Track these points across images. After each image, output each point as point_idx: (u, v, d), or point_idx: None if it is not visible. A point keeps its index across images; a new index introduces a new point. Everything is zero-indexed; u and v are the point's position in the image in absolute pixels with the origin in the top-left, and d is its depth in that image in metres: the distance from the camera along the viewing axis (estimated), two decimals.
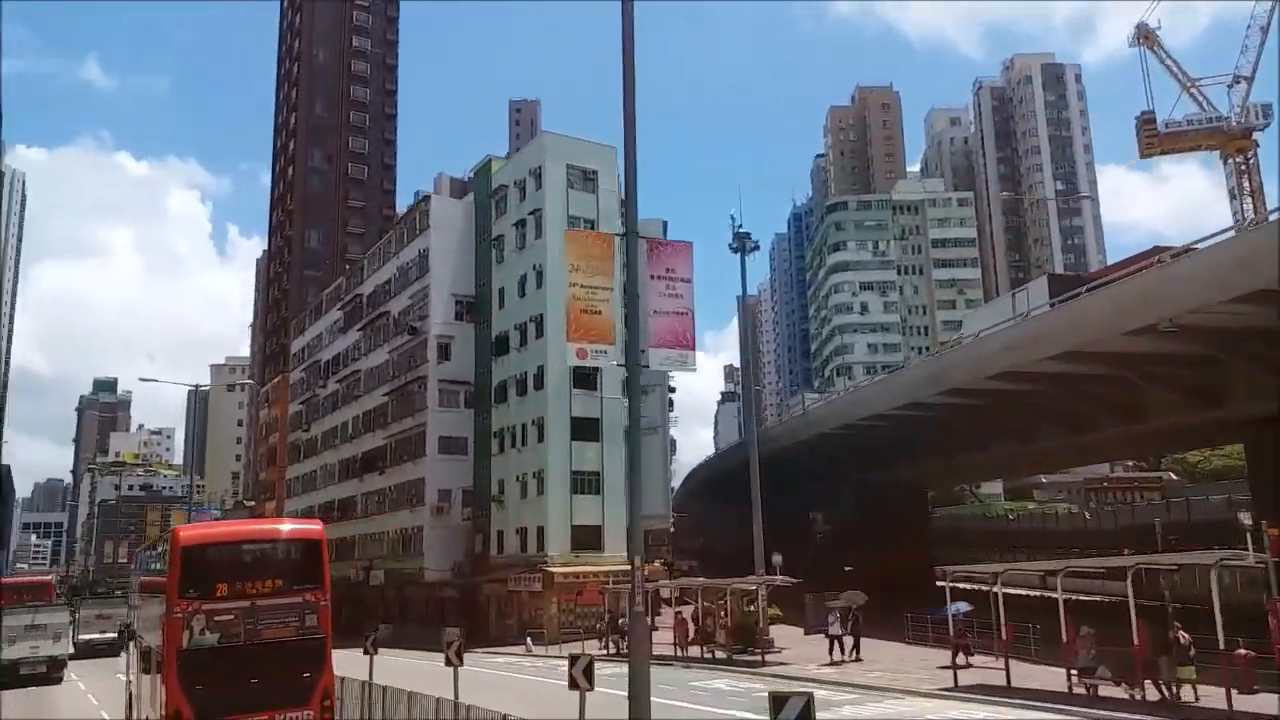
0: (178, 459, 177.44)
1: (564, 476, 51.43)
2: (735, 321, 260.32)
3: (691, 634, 35.50)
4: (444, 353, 59.02)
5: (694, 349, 14.15)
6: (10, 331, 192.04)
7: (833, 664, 29.09)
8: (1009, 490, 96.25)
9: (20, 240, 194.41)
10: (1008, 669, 22.39)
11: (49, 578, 59.62)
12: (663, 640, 37.51)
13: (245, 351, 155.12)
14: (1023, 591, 33.07)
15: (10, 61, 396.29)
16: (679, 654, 35.46)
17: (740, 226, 37.26)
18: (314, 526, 16.72)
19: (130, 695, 20.42)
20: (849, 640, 29.62)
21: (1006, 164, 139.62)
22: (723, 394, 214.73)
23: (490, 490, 55.99)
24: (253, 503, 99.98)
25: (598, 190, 54.82)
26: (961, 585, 65.65)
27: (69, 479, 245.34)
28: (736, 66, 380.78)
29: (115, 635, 48.12)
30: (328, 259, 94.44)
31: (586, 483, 52.24)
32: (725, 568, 67.05)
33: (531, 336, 53.88)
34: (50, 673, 37.73)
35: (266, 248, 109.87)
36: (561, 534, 50.83)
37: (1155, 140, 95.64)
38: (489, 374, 57.84)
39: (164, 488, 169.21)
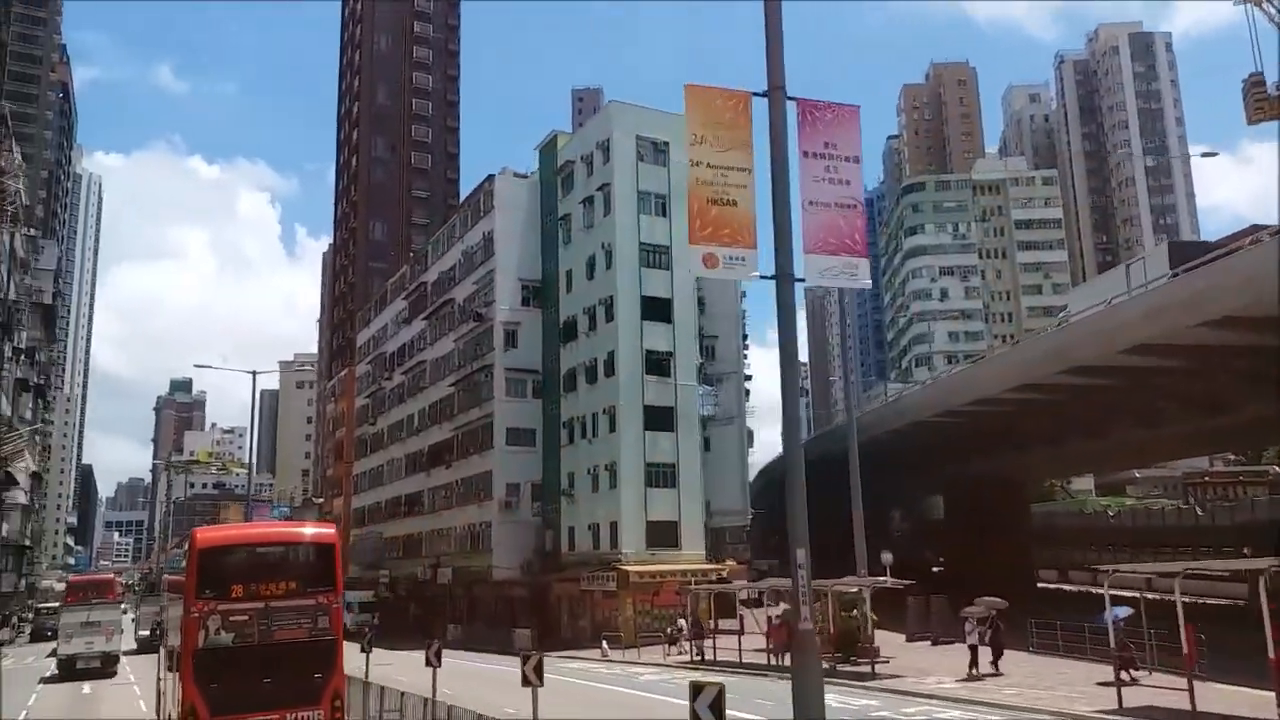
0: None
1: (638, 469, 48.15)
2: (802, 312, 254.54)
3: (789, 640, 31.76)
4: (510, 340, 56.17)
5: (866, 255, 10.35)
6: (90, 334, 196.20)
7: (970, 679, 25.05)
8: (1099, 486, 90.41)
9: (98, 244, 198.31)
10: (1191, 690, 18.36)
11: (112, 576, 58.52)
12: (747, 647, 33.99)
13: (314, 349, 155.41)
14: (1129, 593, 28.88)
15: (87, 69, 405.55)
16: (772, 662, 31.85)
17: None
18: (328, 530, 16.98)
19: (159, 692, 20.29)
20: (985, 652, 25.38)
21: (1091, 140, 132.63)
22: None
23: (560, 484, 52.99)
24: (320, 500, 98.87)
25: (669, 163, 51.38)
26: (1065, 587, 60.41)
27: (149, 478, 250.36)
28: (803, 50, 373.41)
29: None
30: (392, 251, 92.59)
31: (661, 475, 48.91)
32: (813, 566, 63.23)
33: (601, 320, 50.70)
34: (104, 667, 38.44)
35: (332, 241, 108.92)
36: (636, 530, 47.57)
37: (1265, 105, 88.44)
38: (557, 361, 54.85)
39: (236, 486, 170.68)
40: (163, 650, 19.29)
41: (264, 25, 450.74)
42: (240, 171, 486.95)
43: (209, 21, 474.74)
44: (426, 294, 66.90)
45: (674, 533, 48.54)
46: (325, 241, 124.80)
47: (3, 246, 44.28)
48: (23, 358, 57.24)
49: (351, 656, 28.84)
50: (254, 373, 38.21)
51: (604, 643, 41.42)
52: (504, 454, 55.06)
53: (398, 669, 39.50)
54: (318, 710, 14.95)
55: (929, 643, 37.12)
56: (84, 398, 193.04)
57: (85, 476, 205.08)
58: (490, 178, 58.03)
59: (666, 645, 39.95)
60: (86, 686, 34.11)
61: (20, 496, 64.36)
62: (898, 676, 27.08)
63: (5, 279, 46.18)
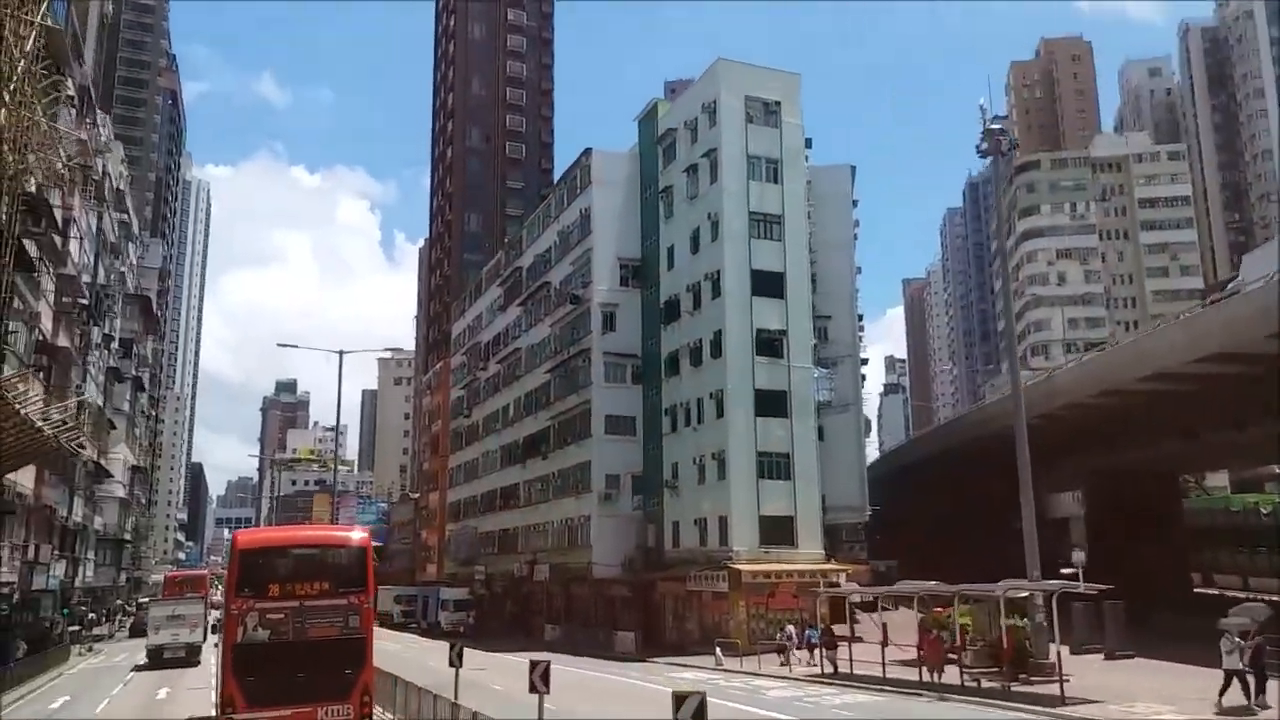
0: (350, 454, 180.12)
1: (748, 458, 43.47)
2: (898, 309, 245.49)
3: (943, 653, 26.65)
4: (609, 322, 52.08)
5: None
6: (199, 336, 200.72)
7: (1223, 713, 19.22)
8: (1234, 482, 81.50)
9: (206, 250, 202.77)
10: None
11: (205, 571, 56.98)
12: (866, 658, 28.92)
13: (412, 346, 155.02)
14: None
15: (195, 83, 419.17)
16: (925, 678, 26.78)
17: (992, 120, 27.98)
18: (361, 534, 17.48)
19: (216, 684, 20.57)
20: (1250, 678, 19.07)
21: (1221, 112, 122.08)
22: (886, 386, 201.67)
23: (662, 475, 48.64)
24: (416, 495, 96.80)
25: (781, 124, 46.58)
26: (1226, 592, 52.83)
27: (256, 476, 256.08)
28: (900, 39, 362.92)
29: None
30: (487, 242, 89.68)
31: (775, 466, 44.12)
32: (930, 567, 57.51)
33: (706, 297, 46.19)
34: (189, 657, 39.84)
35: (428, 235, 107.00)
36: (748, 526, 42.89)
37: None
38: (657, 344, 50.55)
39: (338, 484, 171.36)
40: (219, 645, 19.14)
41: (359, 32, 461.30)
42: (339, 178, 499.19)
43: (306, 29, 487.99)
44: (521, 279, 63.42)
45: (789, 529, 43.69)
46: (423, 245, 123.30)
47: (89, 227, 42.05)
48: (114, 345, 55.68)
49: (438, 655, 27.88)
50: (340, 352, 35.29)
51: (718, 650, 36.84)
52: (603, 443, 50.99)
53: (493, 674, 35.71)
54: (348, 705, 15.42)
55: (1101, 656, 31.52)
56: (193, 398, 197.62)
57: (196, 475, 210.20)
58: (588, 151, 54.08)
59: (778, 654, 35.32)
60: (162, 692, 31.43)
61: (118, 490, 63.17)
62: (1093, 702, 21.76)
63: (92, 260, 44.13)
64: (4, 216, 24.10)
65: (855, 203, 56.66)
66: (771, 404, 44.29)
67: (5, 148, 22.96)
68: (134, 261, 76.05)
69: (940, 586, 31.12)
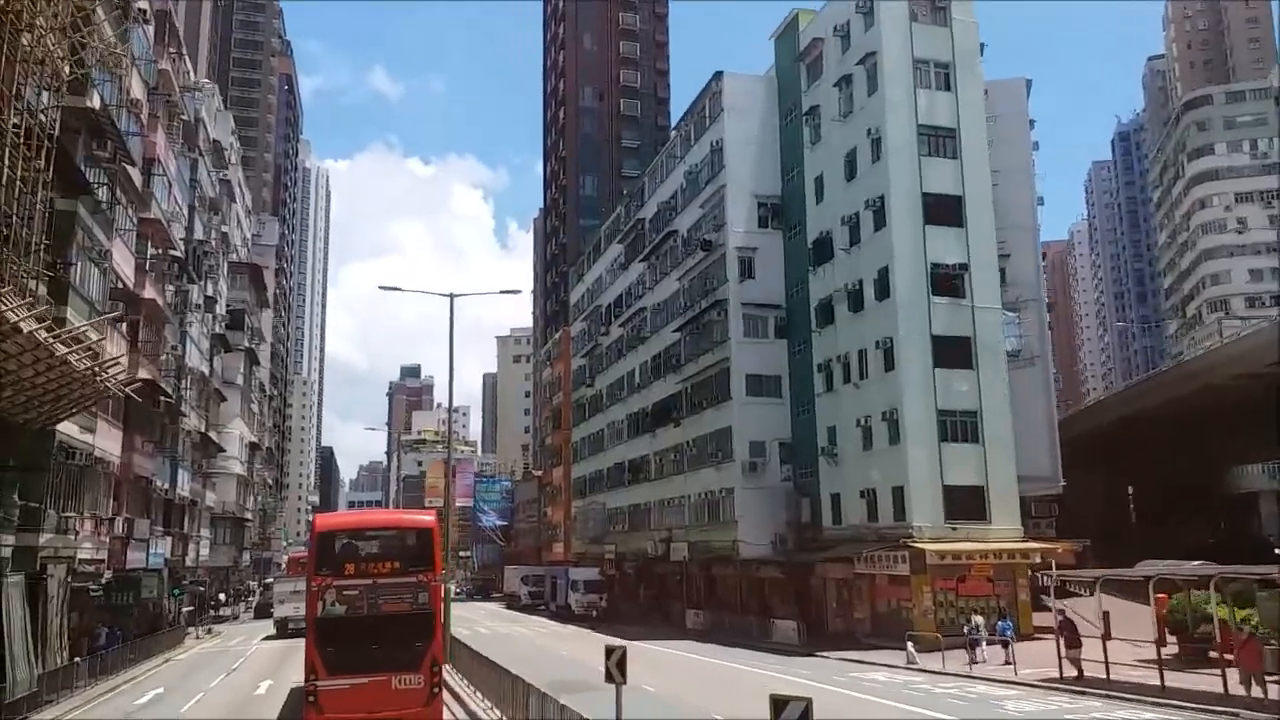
0: (473, 435, 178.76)
1: (927, 417, 36.23)
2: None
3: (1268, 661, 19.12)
4: (746, 269, 45.44)
5: None
6: (324, 322, 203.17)
7: None
8: None
9: (328, 238, 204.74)
10: None
11: None
12: (1094, 658, 21.57)
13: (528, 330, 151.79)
14: None
15: (310, 78, 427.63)
16: (1233, 691, 19.35)
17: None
18: (427, 517, 18.89)
19: None
20: None
21: None
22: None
23: (816, 441, 41.82)
24: (539, 472, 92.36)
25: (951, 22, 38.89)
26: None
27: (385, 460, 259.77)
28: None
29: None
30: (603, 206, 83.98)
31: (959, 427, 36.76)
32: (1125, 547, 49.03)
33: (867, 230, 39.01)
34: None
35: (542, 205, 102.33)
36: (929, 498, 35.71)
37: None
38: (804, 291, 43.65)
39: (458, 462, 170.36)
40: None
41: (467, 15, 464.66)
42: (452, 167, 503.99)
43: (415, 18, 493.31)
44: (644, 232, 57.31)
45: (979, 501, 36.31)
46: (537, 215, 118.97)
47: (179, 172, 37.87)
48: (219, 310, 52.19)
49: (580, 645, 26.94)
50: (451, 295, 29.87)
51: (910, 645, 29.91)
52: (744, 407, 44.45)
53: (641, 670, 29.76)
54: (418, 675, 16.45)
55: None
56: (321, 383, 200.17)
57: (326, 458, 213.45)
58: (718, 75, 47.34)
59: (968, 650, 28.38)
60: (263, 686, 26.97)
61: (234, 466, 60.20)
62: None
63: (185, 212, 40.12)
64: (35, 106, 19.12)
65: (1032, 123, 48.20)
66: (952, 353, 36.88)
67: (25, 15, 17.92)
68: (244, 230, 73.52)
69: (1206, 567, 23.62)
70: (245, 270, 64.78)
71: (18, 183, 19.77)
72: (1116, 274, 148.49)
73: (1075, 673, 23.66)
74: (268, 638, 43.36)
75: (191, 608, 46.43)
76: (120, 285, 30.57)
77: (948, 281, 37.47)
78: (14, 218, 19.50)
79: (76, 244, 25.55)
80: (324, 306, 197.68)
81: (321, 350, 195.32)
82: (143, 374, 33.20)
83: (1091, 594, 42.67)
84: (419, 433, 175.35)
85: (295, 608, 40.11)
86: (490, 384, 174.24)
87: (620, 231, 62.24)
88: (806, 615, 40.24)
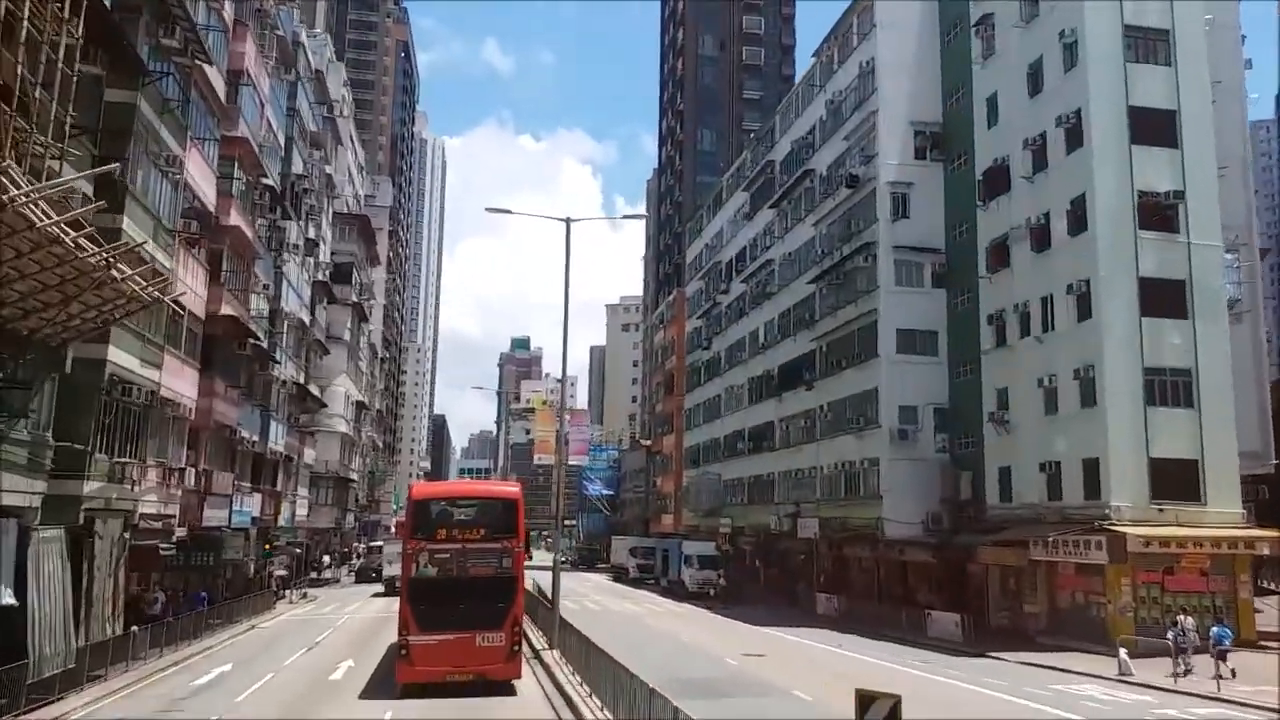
0: (580, 405, 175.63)
1: (1132, 376, 29.48)
2: None
3: None
4: (900, 207, 39.08)
5: None
6: (439, 291, 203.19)
7: None
8: None
9: (443, 208, 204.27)
10: None
11: None
12: None
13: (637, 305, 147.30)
14: None
15: (424, 53, 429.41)
16: None
17: None
18: (513, 488, 20.84)
19: None
20: None
21: None
22: None
23: (981, 405, 35.36)
24: (648, 441, 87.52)
25: None
26: None
27: (495, 430, 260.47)
28: None
29: None
30: (723, 163, 78.05)
31: (1170, 389, 29.90)
32: None
33: (1057, 152, 32.19)
34: None
35: (657, 163, 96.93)
36: (1131, 472, 29.03)
37: None
38: (969, 231, 37.06)
39: (566, 433, 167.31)
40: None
41: None
42: (560, 141, 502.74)
43: None
44: (774, 175, 51.26)
45: (1193, 478, 29.42)
46: (642, 208, 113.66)
47: (271, 93, 33.87)
48: (321, 256, 48.64)
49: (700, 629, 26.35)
50: (567, 220, 24.97)
51: (1122, 652, 23.61)
52: (894, 366, 38.24)
53: (779, 667, 24.35)
54: (500, 633, 17.65)
55: None
56: (434, 352, 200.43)
57: (439, 426, 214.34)
58: None
59: (1173, 657, 22.10)
60: (343, 667, 22.77)
61: (338, 424, 57.13)
62: None
63: (280, 140, 36.22)
64: None
65: (1243, 37, 40.05)
66: (1163, 299, 29.93)
67: None
68: (356, 185, 70.53)
69: None
70: (354, 222, 61.50)
71: (42, 43, 15.45)
72: None
73: None
74: (376, 595, 45.11)
75: (285, 571, 43.22)
76: (198, 205, 26.56)
77: (1158, 213, 30.43)
78: (28, 81, 15.15)
79: (136, 143, 21.40)
80: (439, 276, 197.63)
81: (436, 320, 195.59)
82: (226, 310, 29.36)
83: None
84: (527, 400, 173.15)
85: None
86: (598, 357, 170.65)
87: (745, 179, 56.30)
88: (962, 606, 34.07)
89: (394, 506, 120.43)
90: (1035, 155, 33.27)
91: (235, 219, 29.65)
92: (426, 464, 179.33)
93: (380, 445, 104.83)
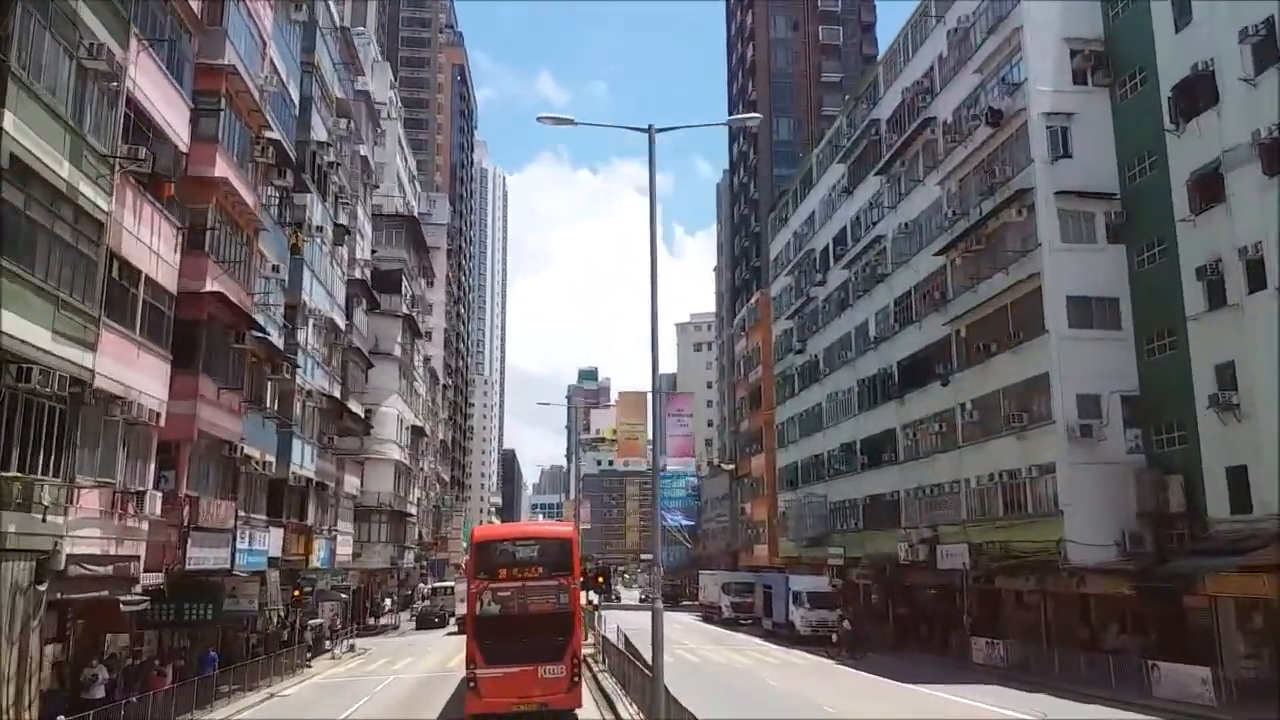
0: (649, 432, 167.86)
1: None
2: None
3: None
4: (1059, 143, 30.74)
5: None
6: (504, 323, 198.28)
7: None
8: None
9: (506, 241, 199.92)
10: None
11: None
12: None
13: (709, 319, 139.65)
14: None
15: (479, 90, 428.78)
16: None
17: None
18: (567, 529, 21.44)
19: None
20: None
21: None
22: None
23: (1191, 387, 26.66)
24: (731, 465, 79.22)
25: None
26: None
27: (565, 464, 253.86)
28: None
29: None
30: (801, 154, 70.33)
31: None
32: None
33: None
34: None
35: (728, 161, 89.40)
36: None
37: None
38: (1154, 169, 28.58)
39: (639, 461, 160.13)
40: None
41: (628, 23, 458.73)
42: (617, 172, 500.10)
43: (577, 23, 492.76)
44: (879, 137, 43.26)
45: None
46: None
47: (282, 39, 27.26)
48: (359, 250, 41.98)
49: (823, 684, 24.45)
50: (650, 129, 17.47)
51: None
52: (1066, 344, 29.69)
53: None
54: (561, 665, 18.35)
55: None
56: (502, 386, 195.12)
57: (508, 460, 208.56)
58: None
59: None
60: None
61: (391, 450, 50.31)
62: None
63: (296, 100, 29.57)
64: None
65: None
66: None
67: None
68: (406, 192, 64.48)
69: None
70: (401, 224, 55.10)
71: None
72: None
73: None
74: (450, 634, 46.01)
75: (323, 620, 36.14)
76: (160, 138, 19.73)
77: None
78: None
79: (24, 11, 14.57)
80: (504, 309, 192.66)
81: (503, 352, 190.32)
82: (213, 286, 22.49)
83: None
84: (597, 431, 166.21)
85: (441, 605, 52.55)
86: (668, 384, 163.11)
87: (841, 148, 48.41)
88: (1180, 653, 25.25)
89: (464, 544, 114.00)
90: (1258, 48, 24.76)
91: (224, 170, 22.87)
92: (498, 500, 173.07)
93: (446, 479, 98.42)
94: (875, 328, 43.45)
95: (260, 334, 25.70)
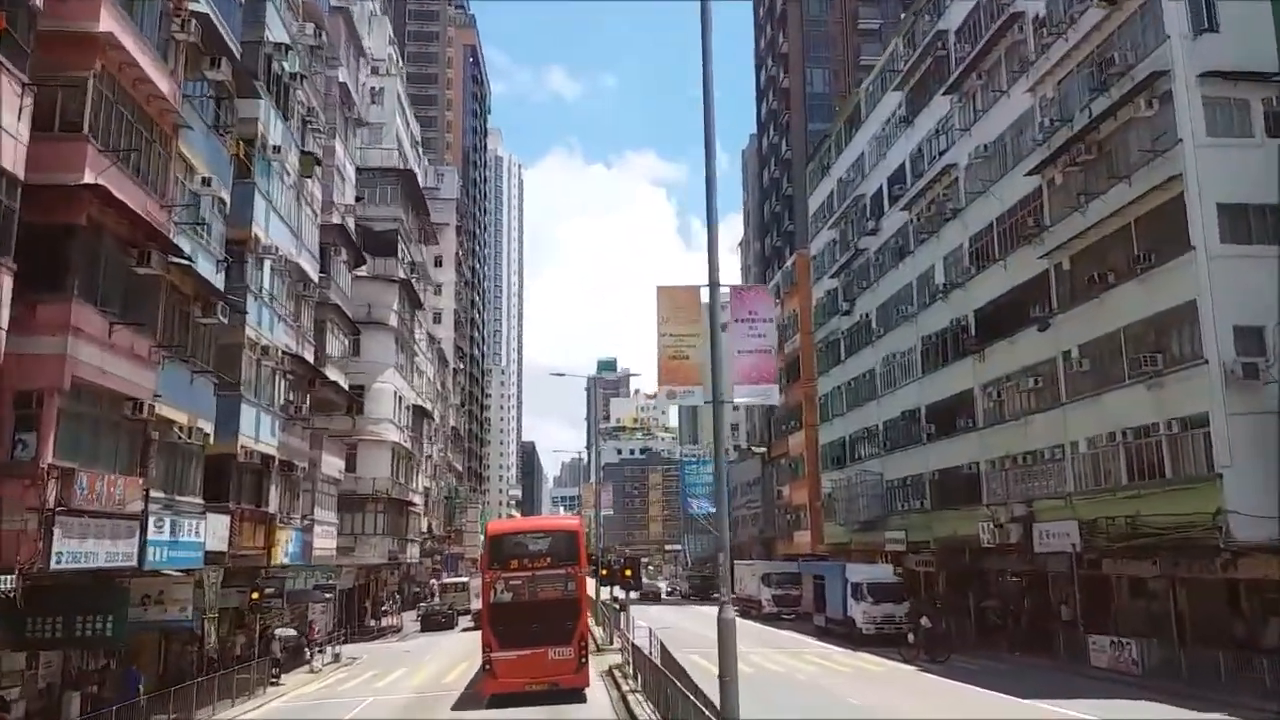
0: (673, 421, 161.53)
1: None
2: None
3: None
4: (1201, 12, 23.92)
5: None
6: (521, 318, 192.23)
7: None
8: None
9: (522, 231, 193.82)
10: None
11: None
12: None
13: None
14: None
15: (493, 84, 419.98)
16: None
17: None
18: (573, 521, 24.44)
19: None
20: None
21: None
22: None
23: None
24: (762, 448, 72.46)
25: None
26: None
27: (585, 456, 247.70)
28: None
29: None
30: (837, 108, 63.54)
31: None
32: None
33: None
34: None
35: (756, 118, 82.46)
36: None
37: None
38: None
39: (661, 450, 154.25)
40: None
41: (635, 16, 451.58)
42: (630, 165, 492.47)
43: (587, 21, 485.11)
44: (947, 53, 36.47)
45: None
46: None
47: None
48: (333, 187, 35.59)
49: (908, 697, 20.52)
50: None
51: None
52: (1220, 263, 22.91)
53: None
54: (569, 648, 20.05)
55: None
56: (520, 378, 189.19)
57: (528, 453, 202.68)
58: None
59: None
60: None
61: (388, 431, 44.06)
62: None
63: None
64: None
65: None
66: None
67: None
68: (404, 147, 58.15)
69: None
70: (395, 179, 48.69)
71: None
72: None
73: None
74: (465, 630, 44.08)
75: (294, 630, 29.86)
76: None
77: None
78: None
79: None
80: (520, 299, 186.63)
81: (520, 344, 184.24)
82: (89, 177, 16.17)
83: None
84: (617, 420, 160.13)
85: (452, 601, 50.61)
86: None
87: (897, 74, 41.58)
88: None
89: (480, 537, 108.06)
90: None
91: (112, 25, 16.52)
92: (517, 493, 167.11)
93: (461, 469, 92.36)
94: (944, 274, 36.67)
95: (181, 259, 19.35)
